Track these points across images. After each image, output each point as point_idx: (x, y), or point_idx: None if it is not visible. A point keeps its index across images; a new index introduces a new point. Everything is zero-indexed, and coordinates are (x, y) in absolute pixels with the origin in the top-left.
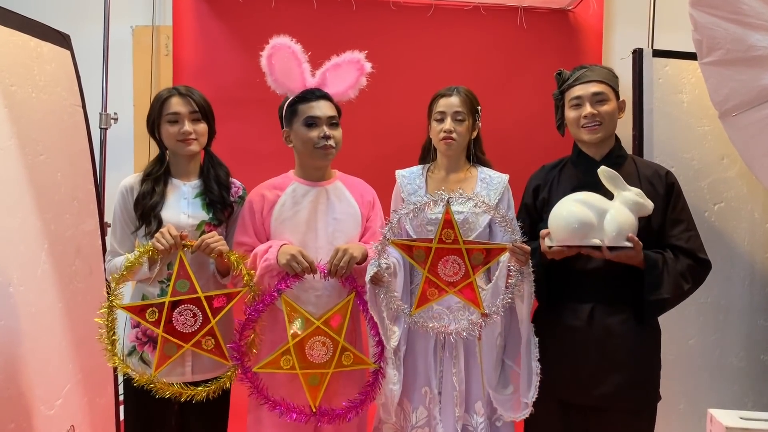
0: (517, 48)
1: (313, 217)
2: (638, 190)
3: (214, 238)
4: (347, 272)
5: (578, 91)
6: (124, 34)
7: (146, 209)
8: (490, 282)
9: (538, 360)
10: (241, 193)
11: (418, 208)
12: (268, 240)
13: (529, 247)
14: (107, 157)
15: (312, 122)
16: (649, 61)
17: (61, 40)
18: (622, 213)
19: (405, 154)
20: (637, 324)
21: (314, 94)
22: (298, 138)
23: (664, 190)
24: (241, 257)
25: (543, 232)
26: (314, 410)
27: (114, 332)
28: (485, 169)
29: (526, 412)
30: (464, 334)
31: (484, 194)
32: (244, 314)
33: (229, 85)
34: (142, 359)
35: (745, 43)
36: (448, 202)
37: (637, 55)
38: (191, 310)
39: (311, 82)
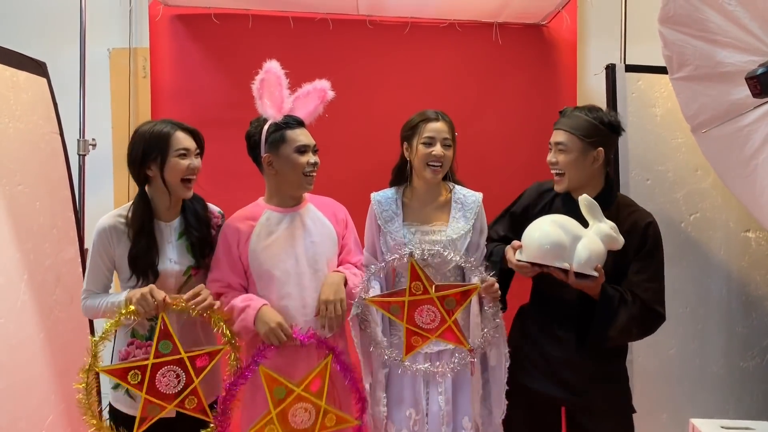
0: (493, 63)
1: (291, 244)
2: (613, 224)
3: (198, 299)
4: (344, 318)
5: (553, 135)
6: (100, 56)
7: (145, 266)
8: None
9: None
10: (220, 222)
11: (386, 266)
12: (245, 271)
13: (497, 284)
14: (86, 183)
15: (304, 149)
16: (621, 76)
17: (37, 68)
18: (595, 243)
19: (383, 172)
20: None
21: (296, 121)
22: (287, 164)
23: (638, 242)
24: (223, 316)
25: (515, 243)
26: None
27: (93, 395)
28: (459, 188)
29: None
30: (457, 369)
31: (460, 216)
32: (224, 389)
33: (209, 106)
34: (128, 393)
35: (714, 59)
36: (411, 255)
37: (610, 70)
38: (174, 371)
39: (286, 107)
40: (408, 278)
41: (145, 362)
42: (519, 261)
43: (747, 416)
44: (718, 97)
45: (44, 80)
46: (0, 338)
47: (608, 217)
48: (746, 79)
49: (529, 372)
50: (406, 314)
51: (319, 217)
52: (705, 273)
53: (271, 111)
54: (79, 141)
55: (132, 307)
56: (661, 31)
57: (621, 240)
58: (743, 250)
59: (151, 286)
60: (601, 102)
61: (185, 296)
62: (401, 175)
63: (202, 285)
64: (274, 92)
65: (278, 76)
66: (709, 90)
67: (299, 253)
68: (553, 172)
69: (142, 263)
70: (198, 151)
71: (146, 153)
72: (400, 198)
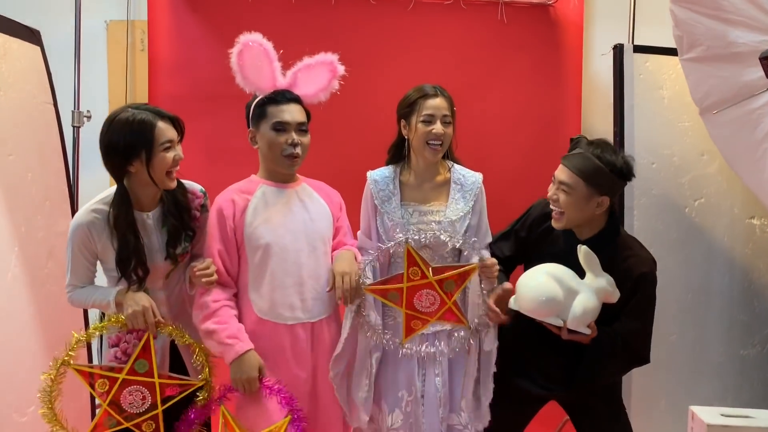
0: (498, 43)
1: (290, 219)
2: (610, 279)
3: (208, 271)
4: (358, 290)
5: (558, 169)
6: (97, 28)
7: (134, 266)
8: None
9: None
10: (203, 201)
11: (382, 253)
12: (237, 248)
13: (496, 261)
14: (81, 156)
15: (281, 127)
16: (629, 57)
17: (31, 36)
18: (590, 299)
19: (385, 153)
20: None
21: (285, 97)
22: (264, 141)
23: (629, 290)
24: (206, 351)
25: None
26: None
27: (57, 389)
28: (459, 167)
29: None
30: (456, 349)
31: (459, 197)
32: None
33: (207, 80)
34: None
35: (726, 39)
36: (407, 241)
37: (618, 50)
38: (141, 392)
39: (282, 82)
40: (405, 264)
41: (117, 375)
42: (512, 310)
43: (746, 404)
44: (729, 79)
45: (38, 49)
46: None
47: (605, 258)
48: (760, 59)
49: (518, 369)
50: (405, 300)
51: (316, 197)
52: (708, 259)
53: (262, 85)
54: (73, 112)
55: (122, 317)
56: (672, 10)
57: (617, 294)
58: (747, 237)
59: (146, 307)
60: (608, 84)
61: (198, 267)
62: (398, 154)
63: (210, 260)
64: (263, 67)
65: (264, 48)
66: (719, 71)
67: (298, 230)
68: (552, 208)
69: (133, 265)
70: (179, 138)
71: (129, 149)
72: (397, 177)
